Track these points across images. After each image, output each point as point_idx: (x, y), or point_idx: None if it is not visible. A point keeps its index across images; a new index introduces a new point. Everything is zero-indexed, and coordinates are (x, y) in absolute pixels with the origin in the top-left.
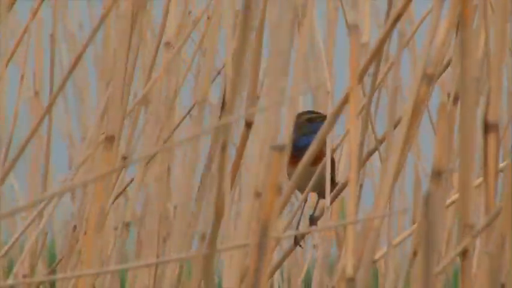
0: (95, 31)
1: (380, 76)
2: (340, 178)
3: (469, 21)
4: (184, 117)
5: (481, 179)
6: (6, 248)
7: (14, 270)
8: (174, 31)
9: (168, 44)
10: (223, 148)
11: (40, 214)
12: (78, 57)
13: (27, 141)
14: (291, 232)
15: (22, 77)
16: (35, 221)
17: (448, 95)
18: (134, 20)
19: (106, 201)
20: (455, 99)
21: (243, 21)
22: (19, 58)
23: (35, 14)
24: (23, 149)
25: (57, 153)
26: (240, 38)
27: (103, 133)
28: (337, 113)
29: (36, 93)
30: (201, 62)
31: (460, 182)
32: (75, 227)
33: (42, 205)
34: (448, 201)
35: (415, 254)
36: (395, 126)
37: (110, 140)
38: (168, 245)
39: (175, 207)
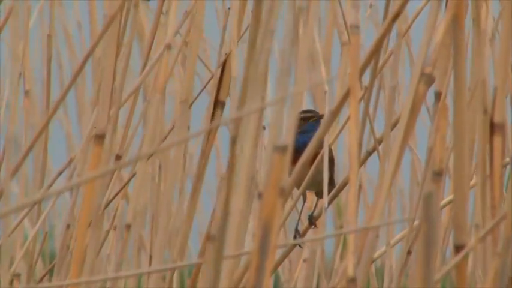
0: (93, 46)
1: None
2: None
3: (461, 22)
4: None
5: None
6: (1, 239)
7: (12, 269)
8: (173, 33)
9: (168, 46)
10: (233, 143)
11: (38, 210)
12: (79, 70)
13: (30, 148)
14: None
15: (20, 75)
16: (34, 218)
17: (435, 93)
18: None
19: (100, 199)
20: (438, 97)
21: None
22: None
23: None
24: (25, 156)
25: (56, 153)
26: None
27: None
28: (336, 112)
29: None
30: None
31: (454, 183)
32: (68, 226)
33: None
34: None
35: (409, 252)
36: (393, 126)
37: (100, 138)
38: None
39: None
